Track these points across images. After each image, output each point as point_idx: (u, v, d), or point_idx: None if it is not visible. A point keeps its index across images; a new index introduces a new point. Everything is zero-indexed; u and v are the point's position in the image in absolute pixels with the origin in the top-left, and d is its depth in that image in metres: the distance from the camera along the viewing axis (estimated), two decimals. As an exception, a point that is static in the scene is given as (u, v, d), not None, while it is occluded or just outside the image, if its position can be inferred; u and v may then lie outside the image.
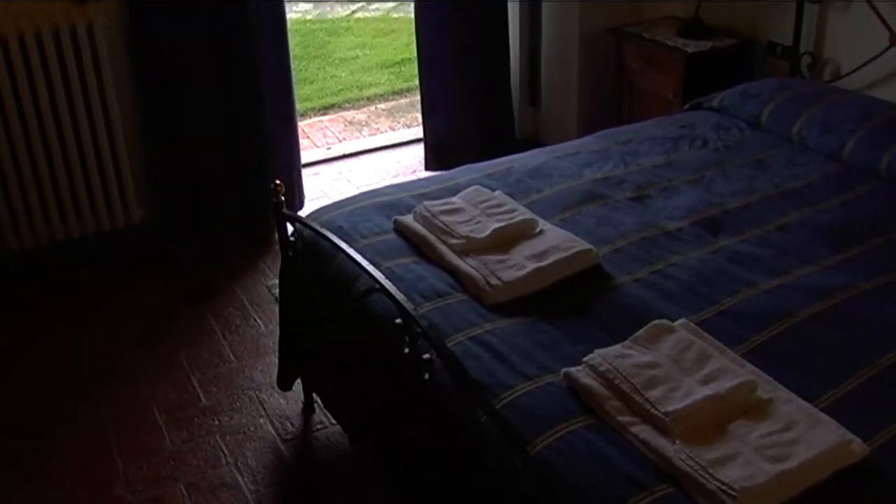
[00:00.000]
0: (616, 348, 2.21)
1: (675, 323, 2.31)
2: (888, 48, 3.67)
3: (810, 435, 1.93)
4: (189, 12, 3.96)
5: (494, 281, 2.49)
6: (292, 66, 4.35)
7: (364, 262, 2.50)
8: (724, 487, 1.80)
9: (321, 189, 4.80)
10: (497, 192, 2.97)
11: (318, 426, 3.18)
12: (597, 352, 2.19)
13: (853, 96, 3.60)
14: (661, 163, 3.33)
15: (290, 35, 4.29)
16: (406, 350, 2.25)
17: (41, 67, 3.76)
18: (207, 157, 4.22)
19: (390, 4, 9.37)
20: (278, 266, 3.12)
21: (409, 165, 5.06)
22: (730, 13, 4.34)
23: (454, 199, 2.93)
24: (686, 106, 3.95)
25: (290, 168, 4.41)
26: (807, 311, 2.43)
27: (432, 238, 2.72)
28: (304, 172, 4.59)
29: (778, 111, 3.59)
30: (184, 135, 4.15)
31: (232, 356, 3.55)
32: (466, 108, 4.73)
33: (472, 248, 2.65)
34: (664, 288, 2.54)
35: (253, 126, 4.22)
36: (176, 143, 4.16)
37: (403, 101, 6.50)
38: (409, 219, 2.84)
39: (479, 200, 2.90)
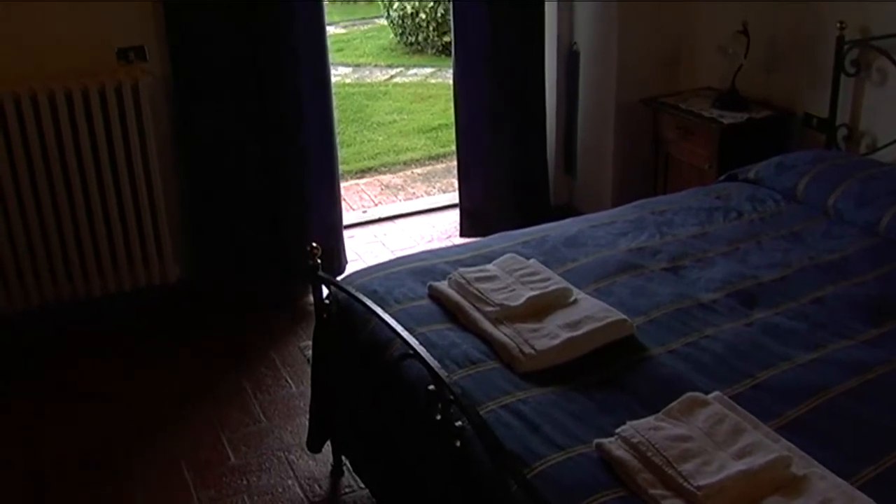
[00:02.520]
0: (649, 420, 2.20)
1: (709, 396, 2.30)
2: (925, 123, 3.67)
3: (846, 513, 1.91)
4: (233, 73, 4.04)
5: (528, 349, 2.49)
6: (336, 129, 4.40)
7: (398, 328, 2.50)
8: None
9: (356, 252, 4.83)
10: (532, 261, 2.98)
11: (347, 490, 3.17)
12: (629, 423, 2.18)
13: (890, 169, 3.58)
14: (697, 234, 3.33)
15: (333, 97, 4.35)
16: (438, 417, 2.25)
17: (86, 123, 3.84)
18: (246, 217, 4.28)
19: (428, 70, 9.50)
20: (312, 327, 3.13)
21: (443, 230, 5.08)
22: (766, 85, 4.36)
23: (489, 266, 2.95)
24: (722, 177, 3.95)
25: (332, 230, 4.44)
26: (842, 385, 2.40)
27: (466, 305, 2.73)
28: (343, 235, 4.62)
29: (814, 183, 3.58)
30: (223, 194, 4.21)
31: (262, 416, 3.55)
32: (502, 174, 4.76)
33: (506, 315, 2.65)
34: (698, 360, 2.52)
35: (294, 187, 4.27)
36: (215, 202, 4.21)
37: (439, 166, 6.56)
38: (443, 285, 2.86)
39: (513, 268, 2.91)
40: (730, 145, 4.16)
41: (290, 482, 3.20)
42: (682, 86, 4.76)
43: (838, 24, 3.86)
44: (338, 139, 4.47)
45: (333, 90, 4.34)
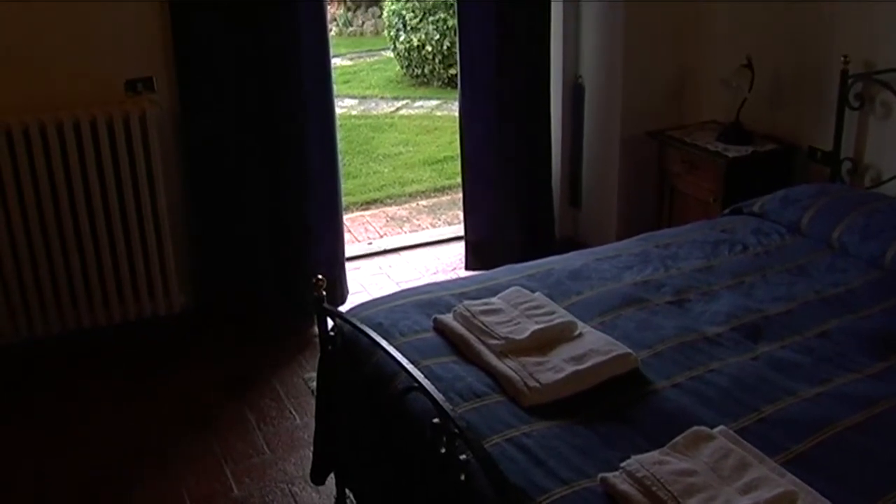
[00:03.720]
0: (654, 454, 2.19)
1: (714, 430, 2.29)
2: (930, 156, 3.68)
3: (852, 550, 1.90)
4: (239, 104, 4.08)
5: (532, 383, 2.49)
6: (339, 161, 4.42)
7: (403, 360, 2.50)
8: None
9: (361, 284, 4.84)
10: (537, 294, 2.98)
11: (351, 522, 3.16)
12: (634, 457, 2.17)
13: (894, 202, 3.59)
14: (701, 267, 3.33)
15: (338, 130, 4.37)
16: (443, 450, 2.24)
17: (94, 153, 3.87)
18: (251, 248, 4.29)
19: (434, 102, 9.55)
20: (316, 359, 3.13)
21: (449, 263, 5.09)
22: (770, 118, 4.38)
23: (494, 299, 2.95)
24: (726, 210, 3.96)
25: (334, 262, 4.45)
26: (848, 420, 2.39)
27: (471, 338, 2.73)
28: (346, 266, 4.62)
29: (818, 217, 3.59)
30: (229, 224, 4.23)
31: (266, 447, 3.54)
32: (508, 207, 4.77)
33: (511, 349, 2.65)
34: (703, 394, 2.52)
35: (298, 219, 4.29)
36: (220, 232, 4.23)
37: (445, 198, 6.58)
38: (448, 318, 2.86)
39: (518, 301, 2.91)
40: (735, 179, 4.17)
41: (293, 515, 3.20)
42: (686, 119, 4.78)
43: (842, 58, 3.88)
44: (342, 171, 4.49)
45: (339, 122, 4.37)
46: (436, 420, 2.26)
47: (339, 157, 4.42)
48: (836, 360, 2.70)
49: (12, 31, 3.77)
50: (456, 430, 2.18)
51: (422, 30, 9.92)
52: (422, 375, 2.41)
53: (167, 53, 3.99)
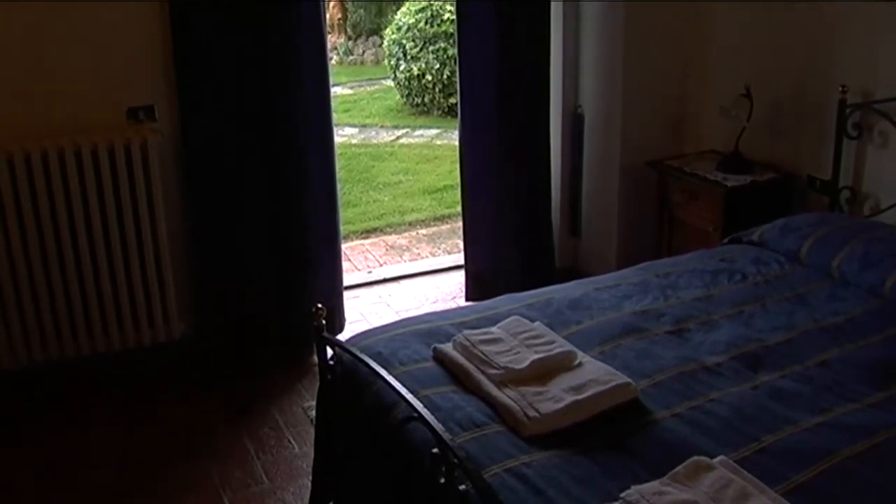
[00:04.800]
0: (654, 485, 2.18)
1: (714, 460, 2.28)
2: (928, 185, 3.69)
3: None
4: (240, 133, 4.09)
5: (532, 413, 2.49)
6: (339, 190, 4.43)
7: (402, 390, 2.50)
8: None
9: (360, 312, 4.84)
10: (536, 323, 2.98)
11: (350, 553, 3.14)
12: (634, 488, 2.16)
13: (893, 231, 3.59)
14: (701, 296, 3.33)
15: (337, 159, 4.39)
16: (442, 480, 2.23)
17: (95, 182, 3.88)
18: (250, 277, 4.29)
19: (434, 131, 9.58)
20: (316, 387, 3.13)
21: (448, 292, 5.09)
22: (769, 148, 4.40)
23: (493, 328, 2.95)
24: (726, 239, 3.96)
25: (332, 291, 4.45)
26: (849, 450, 2.38)
27: (471, 368, 2.72)
28: (345, 295, 4.62)
29: (818, 246, 3.59)
30: (228, 253, 4.23)
31: (265, 476, 3.53)
32: (507, 236, 4.78)
33: (511, 378, 2.64)
34: (703, 424, 2.51)
35: (297, 248, 4.30)
36: (220, 261, 4.24)
37: (444, 227, 6.59)
38: (448, 347, 2.86)
39: (518, 331, 2.91)
40: (734, 208, 4.18)
41: (292, 545, 3.18)
42: (686, 149, 4.79)
43: (840, 88, 3.90)
44: (340, 200, 4.50)
45: (339, 151, 4.38)
46: (435, 450, 2.25)
47: (339, 186, 4.43)
48: (837, 389, 2.69)
49: (16, 58, 3.79)
50: (455, 460, 2.18)
51: (422, 59, 9.97)
52: (421, 405, 2.40)
53: (169, 82, 4.01)
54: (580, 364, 2.74)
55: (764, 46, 4.38)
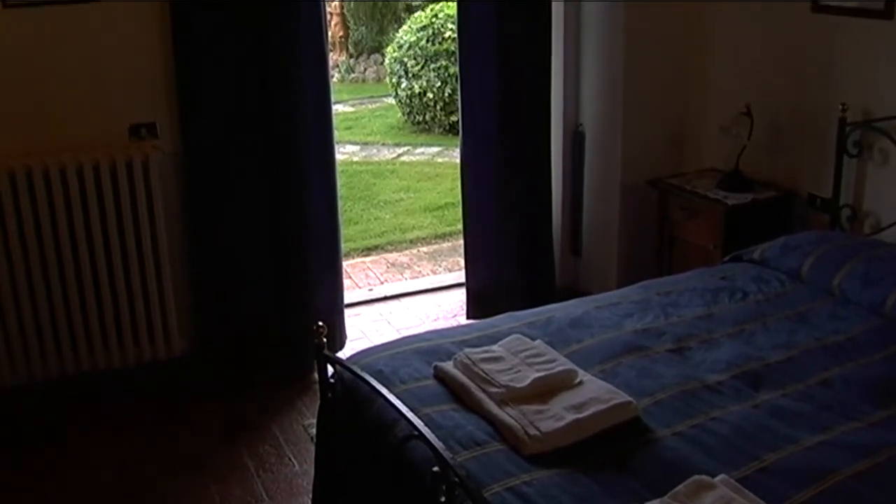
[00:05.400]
0: (655, 503, 2.18)
1: (716, 479, 2.28)
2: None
3: None
4: (242, 151, 4.11)
5: (533, 431, 2.48)
6: (340, 207, 4.44)
7: (403, 408, 2.49)
8: None
9: (361, 330, 4.84)
10: (537, 342, 2.98)
11: (351, 572, 3.13)
12: (635, 507, 2.16)
13: (894, 249, 3.60)
14: (702, 315, 3.33)
15: (338, 177, 4.40)
16: (443, 499, 2.23)
17: (96, 198, 3.89)
18: (251, 294, 4.30)
19: (435, 149, 9.60)
20: (316, 405, 3.12)
21: (449, 309, 5.09)
22: (769, 165, 4.40)
23: (494, 347, 2.94)
24: (727, 258, 3.96)
25: (333, 308, 4.45)
26: (850, 469, 2.38)
27: (472, 386, 2.72)
28: (346, 313, 4.62)
29: (818, 264, 3.59)
30: (229, 269, 4.24)
31: (265, 494, 3.52)
32: (508, 255, 4.78)
33: (512, 397, 2.64)
34: (704, 442, 2.51)
35: (298, 265, 4.30)
36: (221, 278, 4.24)
37: (445, 244, 6.59)
38: (449, 366, 2.85)
39: (519, 349, 2.90)
40: (735, 226, 4.18)
41: (292, 564, 3.17)
42: (686, 167, 4.80)
43: (840, 106, 3.90)
44: (341, 217, 4.50)
45: (340, 168, 4.39)
46: (436, 468, 2.25)
47: (340, 203, 4.43)
48: (838, 408, 2.69)
49: (18, 75, 3.81)
50: (456, 479, 2.17)
51: (423, 77, 10.00)
52: (422, 423, 2.40)
53: (171, 99, 4.03)
54: (581, 382, 2.74)
55: (764, 64, 4.39)
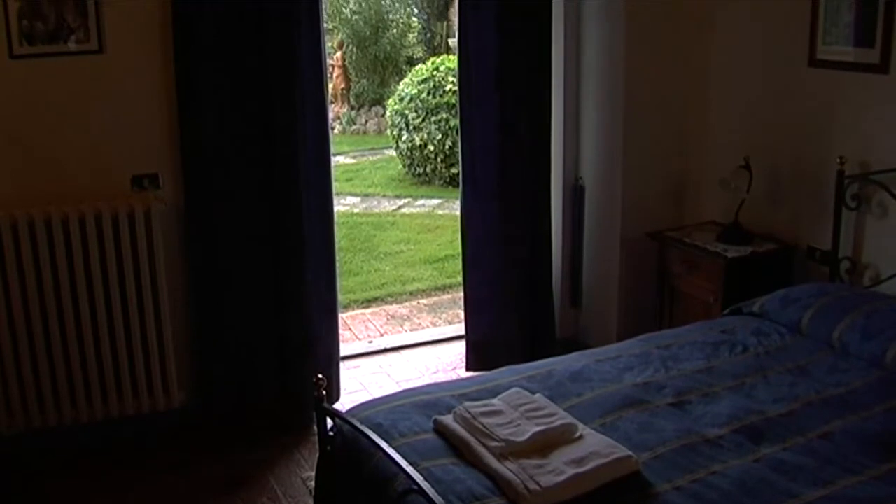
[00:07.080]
0: (656, 560, 2.17)
1: (717, 534, 2.27)
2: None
3: None
4: (243, 204, 4.13)
5: (533, 486, 2.47)
6: (337, 261, 4.45)
7: (402, 462, 2.49)
8: None
9: (360, 382, 4.82)
10: (537, 395, 2.97)
11: None
12: (636, 563, 2.14)
13: (894, 302, 3.59)
14: (702, 368, 3.32)
15: (336, 228, 4.41)
16: (441, 554, 2.22)
17: (98, 248, 3.90)
18: (251, 346, 4.30)
19: (435, 201, 9.63)
20: (315, 457, 3.11)
21: (449, 362, 5.08)
22: (768, 218, 4.42)
23: (494, 400, 2.94)
24: (726, 311, 3.96)
25: (329, 360, 4.44)
26: (852, 524, 2.38)
27: (472, 440, 2.71)
28: (345, 365, 4.62)
29: (818, 317, 3.59)
30: (229, 322, 4.24)
31: (264, 549, 3.51)
32: (508, 307, 4.77)
33: (512, 451, 2.63)
34: (705, 497, 2.49)
35: (297, 317, 4.30)
36: (220, 331, 4.24)
37: (445, 297, 6.59)
38: (448, 419, 2.85)
39: (519, 403, 2.90)
40: (735, 279, 4.18)
41: None
42: (686, 220, 4.81)
43: (838, 159, 3.92)
44: (339, 270, 4.51)
45: (340, 220, 4.40)
46: (435, 523, 2.24)
47: (338, 256, 4.44)
48: (839, 462, 2.68)
49: (22, 126, 3.84)
50: (455, 534, 2.16)
51: (424, 129, 10.07)
52: (421, 478, 2.40)
53: (173, 151, 4.05)
54: (581, 436, 2.73)
55: (762, 118, 4.43)
